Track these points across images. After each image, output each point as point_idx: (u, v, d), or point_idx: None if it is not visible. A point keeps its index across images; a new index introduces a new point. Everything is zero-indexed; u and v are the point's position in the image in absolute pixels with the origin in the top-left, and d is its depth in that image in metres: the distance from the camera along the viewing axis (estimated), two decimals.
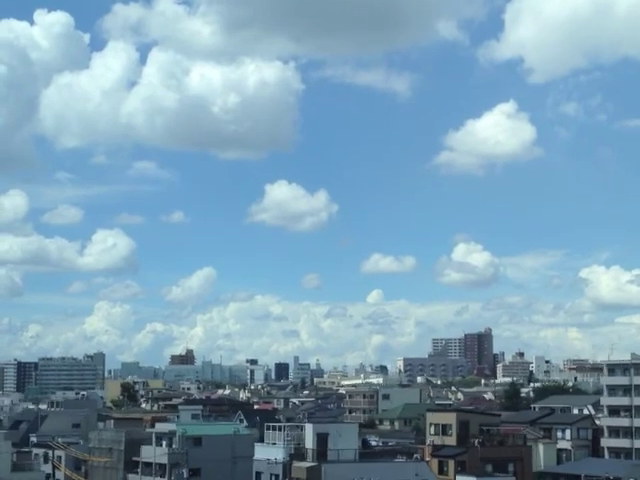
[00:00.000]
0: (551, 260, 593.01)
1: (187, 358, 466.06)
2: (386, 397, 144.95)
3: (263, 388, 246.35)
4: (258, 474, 69.31)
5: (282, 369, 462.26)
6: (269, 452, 68.28)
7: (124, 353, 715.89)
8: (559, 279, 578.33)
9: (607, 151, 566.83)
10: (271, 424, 70.76)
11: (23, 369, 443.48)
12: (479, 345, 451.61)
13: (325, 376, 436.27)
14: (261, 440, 72.98)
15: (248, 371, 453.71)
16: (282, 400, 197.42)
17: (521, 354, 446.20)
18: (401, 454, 72.43)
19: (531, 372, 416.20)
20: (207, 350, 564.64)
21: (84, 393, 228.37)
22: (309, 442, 65.64)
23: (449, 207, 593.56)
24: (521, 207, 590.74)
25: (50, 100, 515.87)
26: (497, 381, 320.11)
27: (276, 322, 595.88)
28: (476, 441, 69.67)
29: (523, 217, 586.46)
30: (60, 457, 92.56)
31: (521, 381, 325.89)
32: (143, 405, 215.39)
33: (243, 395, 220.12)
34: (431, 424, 74.74)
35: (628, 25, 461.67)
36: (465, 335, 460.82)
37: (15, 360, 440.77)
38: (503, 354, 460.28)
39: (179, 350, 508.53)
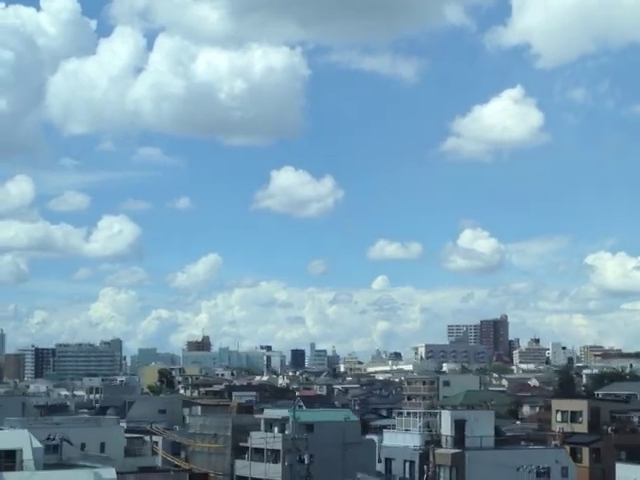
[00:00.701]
0: (557, 246, 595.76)
1: (203, 344, 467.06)
2: (446, 384, 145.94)
3: (301, 374, 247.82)
4: (389, 460, 70.13)
5: (298, 356, 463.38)
6: (402, 439, 69.10)
7: (130, 340, 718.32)
8: (565, 265, 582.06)
9: (614, 137, 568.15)
10: (404, 410, 71.56)
11: (41, 356, 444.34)
12: (495, 332, 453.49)
13: (341, 363, 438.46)
14: None
15: (264, 357, 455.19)
16: (325, 387, 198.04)
17: (536, 340, 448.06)
18: (528, 441, 73.21)
19: (547, 359, 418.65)
20: (213, 337, 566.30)
21: (122, 379, 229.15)
22: (446, 429, 66.45)
23: (455, 193, 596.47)
24: (528, 193, 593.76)
25: (57, 86, 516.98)
26: (524, 367, 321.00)
27: (281, 309, 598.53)
28: (609, 428, 70.58)
29: (529, 203, 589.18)
30: (156, 442, 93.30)
31: (540, 367, 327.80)
32: (181, 391, 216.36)
33: (282, 381, 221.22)
34: (558, 411, 75.57)
35: (636, 10, 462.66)
36: (481, 322, 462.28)
37: (33, 346, 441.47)
38: (518, 340, 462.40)
39: (184, 337, 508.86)
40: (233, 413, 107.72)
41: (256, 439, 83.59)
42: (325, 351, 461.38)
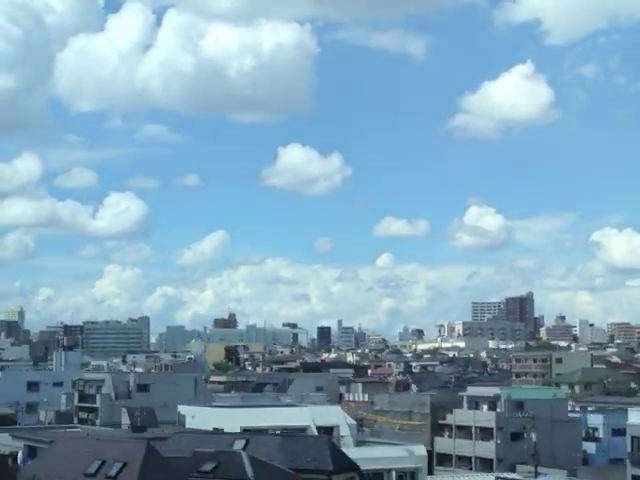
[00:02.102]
0: (564, 223, 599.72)
1: (229, 322, 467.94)
2: (559, 361, 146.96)
3: (370, 352, 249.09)
4: (635, 439, 70.96)
5: (324, 333, 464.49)
6: None
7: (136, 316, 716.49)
8: (571, 242, 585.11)
9: (624, 113, 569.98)
10: None
11: (69, 333, 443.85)
12: (521, 309, 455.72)
13: (367, 340, 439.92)
14: None
15: (291, 335, 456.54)
16: (402, 364, 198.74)
17: (562, 317, 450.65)
18: None
19: (575, 336, 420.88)
20: (217, 314, 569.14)
21: (191, 357, 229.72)
22: None
23: (463, 170, 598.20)
24: (535, 170, 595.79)
25: (65, 63, 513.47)
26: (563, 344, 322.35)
27: (286, 286, 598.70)
28: None
29: (537, 180, 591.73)
30: None
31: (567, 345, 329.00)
32: (249, 368, 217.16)
33: (351, 359, 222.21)
34: None
35: None
36: (506, 299, 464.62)
37: (61, 323, 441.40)
38: (543, 317, 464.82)
39: (188, 314, 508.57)
40: (391, 389, 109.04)
41: (460, 416, 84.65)
42: (352, 328, 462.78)
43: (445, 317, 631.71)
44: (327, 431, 56.02)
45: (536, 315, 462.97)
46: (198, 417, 60.29)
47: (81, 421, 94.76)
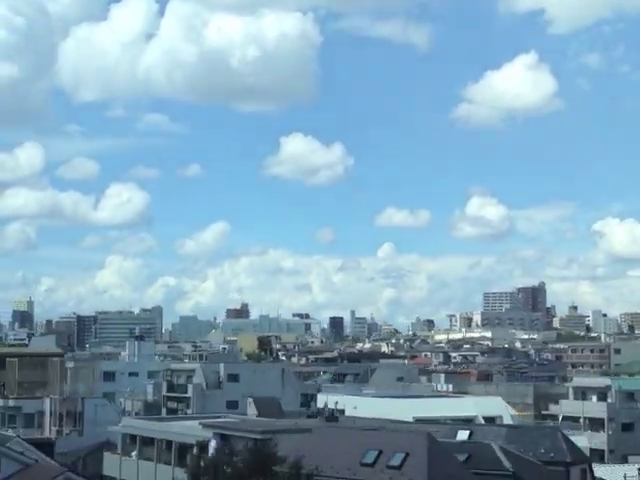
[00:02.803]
0: (566, 213, 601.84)
1: (242, 312, 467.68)
2: (617, 351, 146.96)
3: (405, 342, 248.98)
4: None
5: (337, 323, 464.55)
6: None
7: (137, 307, 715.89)
8: (573, 232, 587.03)
9: (629, 103, 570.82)
10: None
11: (82, 323, 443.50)
12: (533, 299, 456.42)
13: (380, 330, 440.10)
14: None
15: (303, 325, 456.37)
16: (441, 354, 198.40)
17: (575, 307, 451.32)
18: None
19: (587, 326, 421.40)
20: (220, 304, 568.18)
21: (225, 347, 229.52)
22: None
23: (466, 160, 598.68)
24: (538, 160, 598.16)
25: (67, 53, 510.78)
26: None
27: (288, 276, 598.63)
28: None
29: (538, 170, 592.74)
30: None
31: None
32: (283, 359, 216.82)
33: (386, 349, 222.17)
34: None
35: None
36: (518, 289, 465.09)
37: (74, 314, 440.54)
38: (554, 307, 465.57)
39: (189, 305, 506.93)
40: (473, 380, 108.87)
41: (568, 407, 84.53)
42: (365, 319, 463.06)
43: (447, 307, 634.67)
44: (489, 421, 55.83)
45: (547, 305, 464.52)
46: (361, 407, 59.78)
47: (170, 411, 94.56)
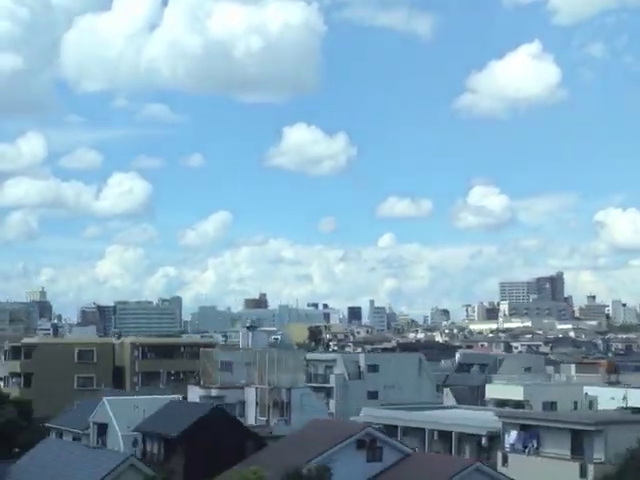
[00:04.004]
0: (567, 202, 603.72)
1: (260, 302, 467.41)
2: None
3: (460, 331, 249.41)
4: None
5: (354, 313, 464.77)
6: None
7: (138, 297, 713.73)
8: (575, 222, 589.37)
9: (632, 93, 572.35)
10: None
11: (102, 313, 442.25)
12: (552, 288, 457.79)
13: (398, 320, 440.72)
14: None
15: (322, 315, 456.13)
16: (502, 344, 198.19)
17: (593, 297, 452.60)
18: None
19: (607, 315, 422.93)
20: (220, 294, 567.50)
21: (277, 337, 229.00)
22: None
23: (468, 150, 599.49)
24: (540, 150, 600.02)
25: (71, 43, 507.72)
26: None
27: (289, 266, 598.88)
28: None
29: (541, 160, 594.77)
30: None
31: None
32: (335, 349, 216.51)
33: (440, 338, 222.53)
34: None
35: None
36: (537, 279, 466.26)
37: (94, 304, 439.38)
38: (571, 297, 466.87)
39: (189, 294, 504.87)
40: (602, 371, 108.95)
41: None
42: (384, 308, 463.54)
43: (449, 298, 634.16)
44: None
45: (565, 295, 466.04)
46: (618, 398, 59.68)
47: None
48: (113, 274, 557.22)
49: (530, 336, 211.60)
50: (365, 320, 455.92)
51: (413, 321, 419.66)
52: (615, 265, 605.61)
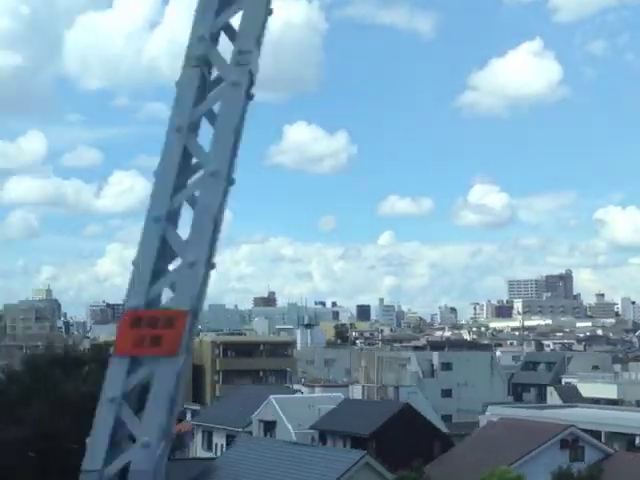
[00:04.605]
0: (567, 200, 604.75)
1: (269, 300, 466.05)
2: None
3: (487, 329, 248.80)
4: None
5: (363, 311, 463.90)
6: None
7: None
8: (575, 220, 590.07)
9: (633, 90, 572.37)
10: None
11: (112, 310, 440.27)
12: (556, 287, 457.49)
13: (406, 318, 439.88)
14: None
15: (331, 313, 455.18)
16: (532, 342, 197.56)
17: (602, 295, 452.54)
18: None
19: (616, 313, 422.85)
20: (221, 292, 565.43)
21: None
22: None
23: (469, 148, 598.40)
24: (541, 148, 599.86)
25: (72, 41, 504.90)
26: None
27: (289, 264, 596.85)
28: None
29: (542, 157, 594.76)
30: None
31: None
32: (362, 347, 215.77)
33: (467, 336, 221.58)
34: None
35: None
36: (546, 276, 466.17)
37: (104, 302, 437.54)
38: (579, 295, 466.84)
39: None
40: None
41: None
42: (393, 307, 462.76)
43: (450, 296, 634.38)
44: None
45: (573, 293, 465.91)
46: None
47: None
48: (113, 272, 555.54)
49: (561, 334, 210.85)
50: (374, 318, 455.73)
51: (421, 319, 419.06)
52: (615, 263, 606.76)
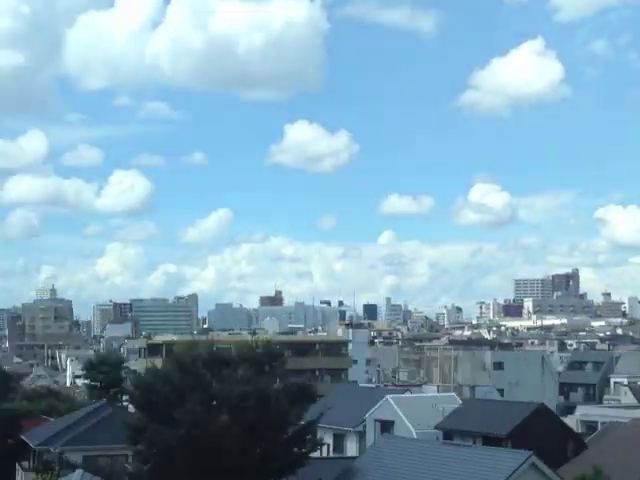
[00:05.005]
0: (568, 200, 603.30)
1: (276, 299, 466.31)
2: None
3: (506, 329, 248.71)
4: None
5: (370, 310, 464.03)
6: None
7: (138, 294, 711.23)
8: (575, 219, 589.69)
9: (635, 90, 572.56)
10: None
11: (119, 310, 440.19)
12: (567, 286, 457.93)
13: (413, 315, 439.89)
14: None
15: (338, 312, 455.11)
16: (555, 342, 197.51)
17: (608, 294, 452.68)
18: None
19: (624, 312, 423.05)
20: (220, 291, 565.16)
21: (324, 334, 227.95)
22: None
23: (471, 147, 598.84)
24: (542, 147, 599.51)
25: (74, 41, 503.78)
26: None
27: (290, 263, 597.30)
28: None
29: (542, 157, 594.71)
30: None
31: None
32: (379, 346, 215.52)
33: (487, 335, 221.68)
34: None
35: None
36: (553, 276, 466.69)
37: (110, 301, 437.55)
38: (586, 294, 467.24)
39: (188, 291, 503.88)
40: None
41: None
42: (400, 306, 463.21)
43: (447, 295, 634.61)
44: None
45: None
46: None
47: None
48: (114, 271, 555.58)
49: (584, 333, 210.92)
50: (381, 317, 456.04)
51: (427, 318, 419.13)
52: (615, 262, 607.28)
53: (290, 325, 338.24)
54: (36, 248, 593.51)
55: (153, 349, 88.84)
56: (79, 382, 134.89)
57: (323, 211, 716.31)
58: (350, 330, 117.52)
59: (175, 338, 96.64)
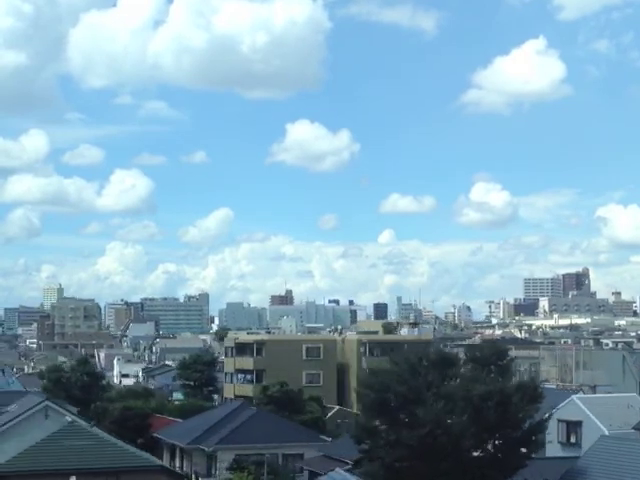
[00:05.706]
0: (569, 199, 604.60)
1: (286, 299, 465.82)
2: None
3: (538, 329, 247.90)
4: None
5: (380, 309, 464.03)
6: None
7: (138, 293, 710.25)
8: (577, 218, 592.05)
9: (637, 89, 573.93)
10: None
11: (130, 309, 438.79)
12: (577, 285, 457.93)
13: (424, 317, 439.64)
14: None
15: (349, 312, 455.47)
16: (591, 341, 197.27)
17: (618, 293, 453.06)
18: None
19: (635, 311, 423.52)
20: (220, 290, 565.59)
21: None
22: None
23: (473, 146, 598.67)
24: (544, 146, 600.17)
25: (76, 40, 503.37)
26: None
27: (290, 263, 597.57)
28: None
29: (544, 156, 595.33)
30: None
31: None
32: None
33: (519, 334, 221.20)
34: None
35: None
36: (563, 275, 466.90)
37: (122, 300, 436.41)
38: (595, 293, 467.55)
39: (192, 290, 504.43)
40: None
41: None
42: (411, 305, 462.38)
43: (448, 294, 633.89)
44: None
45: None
46: None
47: None
48: (114, 270, 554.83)
49: (620, 332, 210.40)
50: (392, 317, 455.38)
51: (437, 317, 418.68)
52: (616, 261, 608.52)
53: (307, 325, 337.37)
54: (37, 247, 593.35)
55: (241, 349, 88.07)
56: (125, 382, 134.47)
57: (324, 210, 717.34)
58: (414, 330, 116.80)
59: (265, 338, 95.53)
